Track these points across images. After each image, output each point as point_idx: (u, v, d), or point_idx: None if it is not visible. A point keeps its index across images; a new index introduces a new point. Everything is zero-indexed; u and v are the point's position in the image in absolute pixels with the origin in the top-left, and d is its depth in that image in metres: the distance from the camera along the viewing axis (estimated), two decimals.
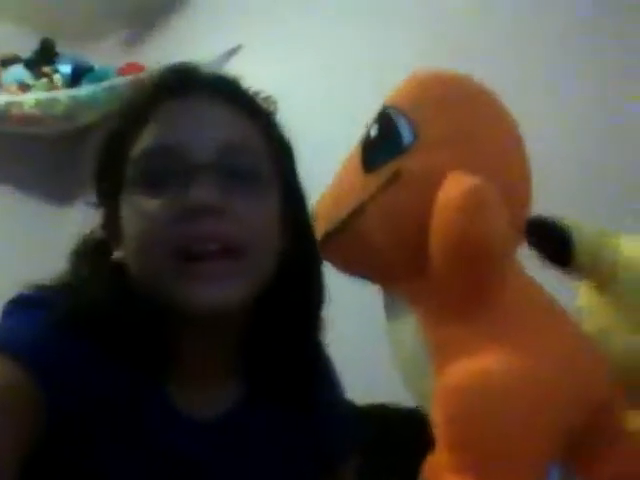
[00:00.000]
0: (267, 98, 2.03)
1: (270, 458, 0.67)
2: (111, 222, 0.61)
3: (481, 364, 0.42)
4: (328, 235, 0.55)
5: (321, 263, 0.67)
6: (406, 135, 0.51)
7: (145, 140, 0.58)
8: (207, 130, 0.58)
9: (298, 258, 0.64)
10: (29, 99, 1.99)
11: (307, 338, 0.66)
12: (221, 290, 0.54)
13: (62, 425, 0.53)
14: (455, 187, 0.44)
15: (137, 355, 0.59)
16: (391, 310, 0.53)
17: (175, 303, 0.54)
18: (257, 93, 1.87)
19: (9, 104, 1.98)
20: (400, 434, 1.35)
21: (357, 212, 0.52)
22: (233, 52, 2.10)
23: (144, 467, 0.59)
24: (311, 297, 0.66)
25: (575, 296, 0.64)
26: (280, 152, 0.64)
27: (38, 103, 2.00)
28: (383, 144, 0.52)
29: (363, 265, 0.54)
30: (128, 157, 0.58)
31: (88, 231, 0.65)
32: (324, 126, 1.79)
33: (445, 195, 0.44)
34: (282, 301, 0.63)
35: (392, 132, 0.52)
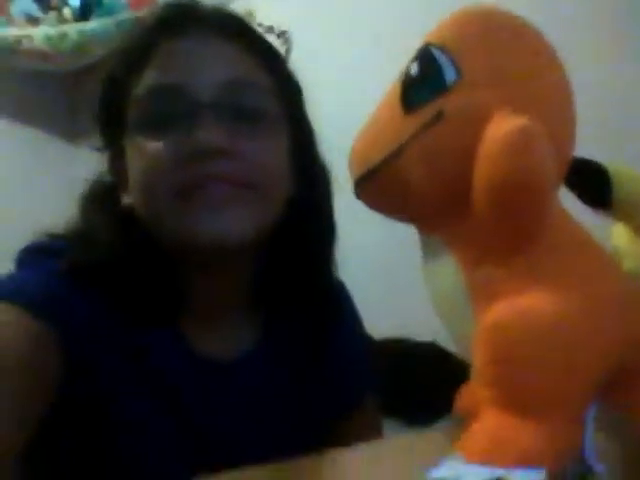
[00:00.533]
0: (282, 33, 1.99)
1: (285, 400, 0.68)
2: (117, 166, 0.60)
3: (523, 302, 0.42)
4: (365, 176, 0.55)
5: (331, 200, 0.67)
6: (449, 73, 0.49)
7: (146, 81, 0.56)
8: (210, 68, 0.56)
9: (308, 197, 0.63)
10: (39, 33, 1.94)
11: (319, 275, 0.67)
12: (228, 219, 0.54)
13: (76, 372, 0.54)
14: (503, 126, 0.43)
15: (149, 300, 0.59)
16: (428, 252, 0.53)
17: (182, 238, 0.54)
18: (271, 28, 1.84)
19: (20, 37, 1.93)
20: (419, 367, 1.39)
21: (396, 153, 0.51)
22: None
23: (160, 410, 0.61)
24: (322, 236, 0.66)
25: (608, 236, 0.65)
26: (288, 90, 0.62)
27: (48, 39, 1.96)
28: (424, 83, 0.51)
29: (401, 206, 0.54)
30: (130, 98, 0.57)
31: (96, 175, 0.65)
32: (337, 66, 1.75)
33: (492, 134, 0.43)
34: (293, 240, 0.63)
35: (434, 70, 0.50)
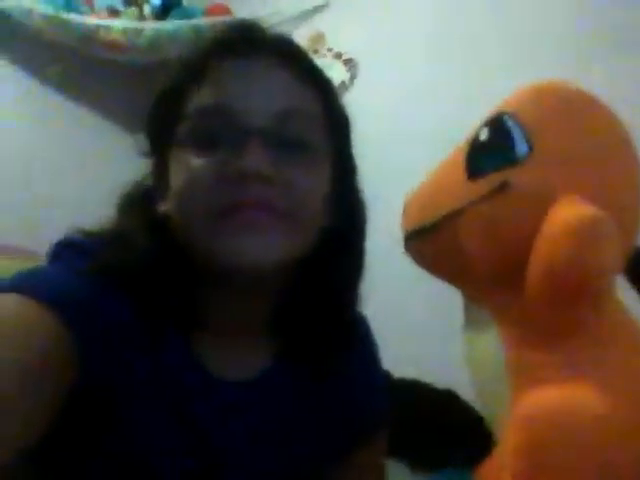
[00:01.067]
0: (349, 60, 2.00)
1: (299, 424, 0.68)
2: (160, 174, 0.61)
3: (562, 396, 0.41)
4: (417, 232, 0.55)
5: (364, 239, 0.66)
6: (520, 145, 0.49)
7: (201, 97, 0.57)
8: (264, 94, 0.56)
9: (342, 230, 0.63)
10: (117, 25, 2.01)
11: (341, 308, 0.66)
12: (262, 243, 0.53)
13: (91, 375, 0.55)
14: (571, 212, 0.42)
15: (170, 311, 0.60)
16: (472, 319, 0.52)
17: (215, 256, 0.54)
18: (339, 54, 1.85)
19: (98, 27, 2.00)
20: (433, 412, 1.36)
21: (455, 215, 0.51)
22: (319, 8, 2.06)
23: (172, 426, 0.60)
24: (350, 269, 0.66)
25: None
26: (337, 124, 0.63)
27: (124, 31, 2.02)
28: (493, 151, 0.50)
29: (452, 269, 0.53)
30: (182, 113, 0.58)
31: (138, 178, 0.66)
32: (400, 95, 1.75)
33: (558, 218, 0.42)
34: (321, 270, 0.63)
35: (505, 140, 0.50)
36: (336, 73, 1.94)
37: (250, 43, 0.59)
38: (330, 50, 2.00)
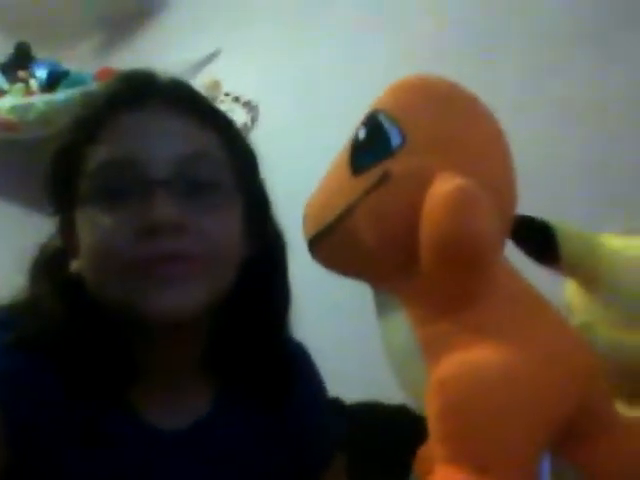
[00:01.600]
0: (248, 103, 2.04)
1: (244, 466, 0.66)
2: (67, 233, 0.60)
3: (471, 356, 0.43)
4: (317, 237, 0.56)
5: (286, 268, 0.67)
6: (394, 138, 0.52)
7: (100, 154, 0.56)
8: (163, 143, 0.56)
9: (263, 264, 0.63)
10: (5, 104, 1.96)
11: (273, 338, 0.66)
12: (181, 294, 0.53)
13: (23, 451, 0.53)
14: (443, 187, 0.45)
15: (96, 371, 0.58)
16: (381, 308, 0.54)
17: (132, 311, 0.54)
18: (237, 98, 1.88)
19: None
20: (389, 430, 1.36)
21: (345, 214, 0.52)
22: (212, 57, 2.09)
23: None
24: (277, 301, 0.66)
25: (562, 292, 0.66)
26: (242, 161, 0.63)
27: (13, 109, 1.97)
28: (371, 147, 0.53)
29: (353, 265, 0.55)
30: (82, 171, 0.57)
31: (45, 240, 0.64)
32: (303, 131, 1.80)
33: (433, 195, 0.45)
34: (247, 306, 0.63)
35: (380, 135, 0.52)
36: (236, 116, 1.97)
37: (145, 93, 0.59)
38: (227, 95, 2.03)
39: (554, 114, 1.25)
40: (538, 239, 0.61)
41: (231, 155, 0.62)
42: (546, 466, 0.45)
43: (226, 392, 0.67)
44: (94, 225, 0.55)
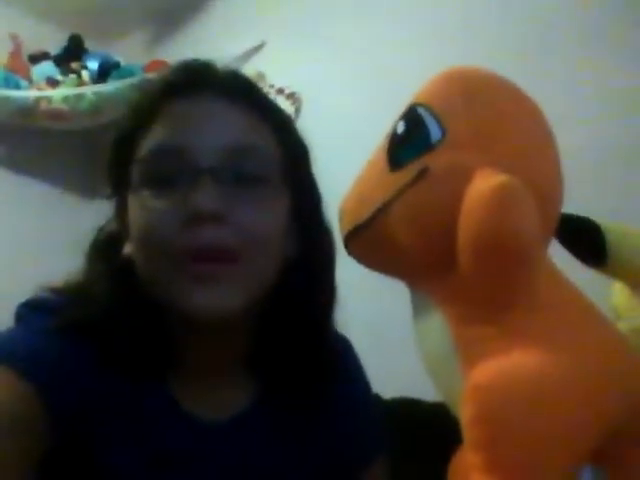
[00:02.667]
0: (292, 95, 2.03)
1: (282, 463, 0.66)
2: (121, 217, 0.61)
3: (510, 362, 0.41)
4: (353, 232, 0.55)
5: (333, 265, 0.66)
6: (434, 132, 0.50)
7: (152, 140, 0.57)
8: (214, 132, 0.56)
9: (310, 261, 0.63)
10: (57, 94, 2.02)
11: (318, 340, 0.65)
12: (217, 295, 0.53)
13: (68, 432, 0.54)
14: (484, 183, 0.43)
15: (141, 358, 0.59)
16: (418, 308, 0.52)
17: (174, 305, 0.54)
18: (281, 90, 1.88)
19: (38, 99, 2.01)
20: (426, 428, 1.34)
21: (383, 210, 0.51)
22: (257, 49, 2.10)
23: (152, 469, 0.59)
24: (321, 296, 0.65)
25: (609, 294, 0.63)
26: (293, 155, 0.62)
27: (65, 99, 2.03)
28: (410, 141, 0.51)
29: (389, 262, 0.54)
30: (135, 156, 0.58)
31: (102, 224, 0.65)
32: (347, 125, 1.78)
33: (474, 191, 0.43)
34: (292, 304, 0.62)
35: (419, 129, 0.51)
36: None
37: (197, 82, 0.59)
38: (272, 87, 2.03)
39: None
40: (585, 239, 0.58)
41: (283, 150, 0.61)
42: (587, 477, 0.43)
43: (267, 389, 0.66)
44: (143, 210, 0.56)
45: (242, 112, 0.59)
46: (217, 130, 0.57)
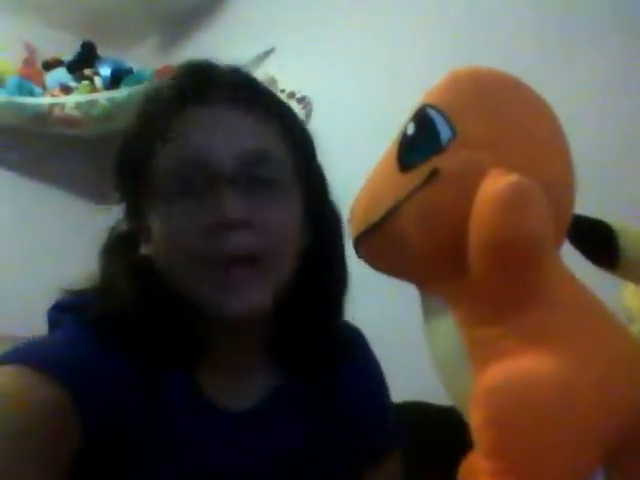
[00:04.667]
0: (302, 99, 2.04)
1: (307, 446, 0.67)
2: (137, 218, 0.62)
3: (521, 366, 0.41)
4: (363, 234, 0.55)
5: (344, 251, 0.67)
6: (444, 133, 0.50)
7: (169, 150, 0.58)
8: (227, 139, 0.57)
9: (321, 249, 0.64)
10: (70, 101, 2.04)
11: (330, 324, 0.67)
12: (248, 299, 0.55)
13: (99, 436, 0.54)
14: (496, 183, 0.43)
15: (168, 349, 0.60)
16: (428, 310, 0.52)
17: (204, 309, 0.56)
18: (292, 94, 1.89)
19: (52, 105, 2.03)
20: (436, 432, 1.33)
21: (393, 211, 0.51)
22: (267, 54, 2.11)
23: (182, 466, 0.60)
24: (335, 283, 0.67)
25: (621, 297, 0.63)
26: (303, 150, 0.64)
27: (78, 105, 2.05)
28: (420, 142, 0.51)
29: (399, 264, 0.54)
30: (152, 164, 0.59)
31: (112, 225, 0.66)
32: (357, 128, 1.79)
33: (485, 191, 0.43)
34: (306, 290, 0.64)
35: (429, 130, 0.51)
36: None
37: (205, 86, 0.60)
38: (283, 91, 2.04)
39: None
40: (597, 240, 0.58)
41: (293, 150, 0.62)
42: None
43: (287, 378, 0.68)
44: (166, 217, 0.57)
45: (252, 116, 0.60)
46: (230, 136, 0.58)
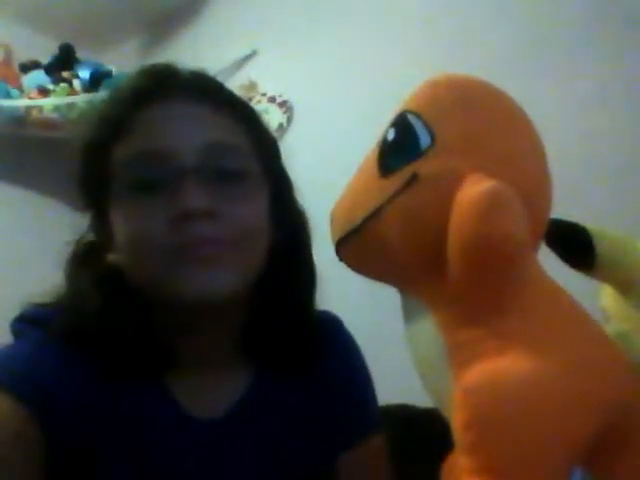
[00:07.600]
0: (284, 103, 2.06)
1: (278, 448, 0.67)
2: (100, 226, 0.62)
3: (500, 366, 0.41)
4: (344, 239, 0.56)
5: (310, 245, 0.68)
6: (423, 138, 0.51)
7: (130, 147, 0.58)
8: (191, 133, 0.58)
9: (289, 244, 0.65)
10: (48, 103, 2.02)
11: (303, 315, 0.68)
12: (212, 278, 0.55)
13: (68, 450, 0.54)
14: (473, 188, 0.44)
15: (137, 359, 0.60)
16: (409, 312, 0.53)
17: (172, 294, 0.55)
18: (273, 98, 1.90)
19: (29, 108, 2.00)
20: (419, 434, 1.34)
21: (373, 216, 0.52)
22: (248, 58, 2.11)
23: (146, 470, 0.60)
24: (303, 278, 0.68)
25: (598, 297, 0.64)
26: (266, 147, 0.65)
27: (56, 108, 2.03)
28: (400, 148, 0.52)
29: (380, 267, 0.54)
30: (112, 166, 0.59)
31: (77, 236, 0.66)
32: (338, 132, 1.80)
33: (463, 196, 0.44)
34: (276, 285, 0.64)
35: (409, 135, 0.51)
36: (273, 116, 1.98)
37: (167, 86, 0.60)
38: (264, 95, 2.04)
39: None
40: (573, 243, 0.59)
41: (256, 142, 0.63)
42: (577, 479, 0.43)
43: (261, 374, 0.68)
44: (129, 216, 0.57)
45: (214, 111, 0.60)
46: (192, 129, 0.58)
